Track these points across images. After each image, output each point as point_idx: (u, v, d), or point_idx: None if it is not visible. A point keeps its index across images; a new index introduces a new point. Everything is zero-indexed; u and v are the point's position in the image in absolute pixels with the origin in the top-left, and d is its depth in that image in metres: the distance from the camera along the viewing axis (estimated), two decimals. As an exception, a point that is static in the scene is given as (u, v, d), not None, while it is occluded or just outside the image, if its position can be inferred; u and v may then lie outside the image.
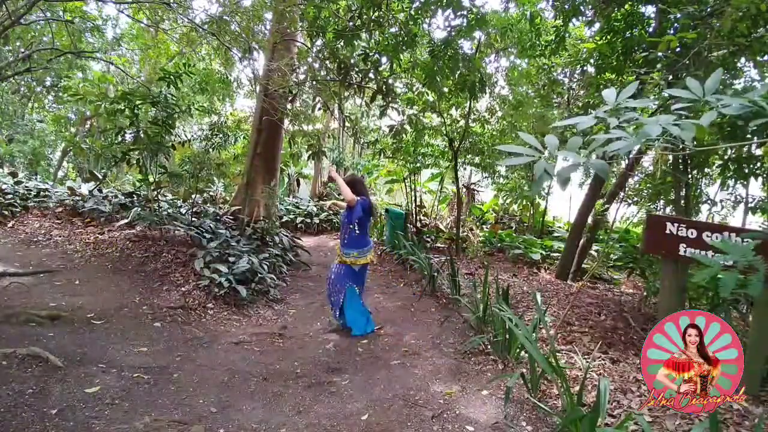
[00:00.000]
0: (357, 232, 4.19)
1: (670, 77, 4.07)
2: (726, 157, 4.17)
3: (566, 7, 5.57)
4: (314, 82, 7.08)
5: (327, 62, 6.68)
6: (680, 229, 3.13)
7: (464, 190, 11.29)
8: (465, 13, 5.65)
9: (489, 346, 3.68)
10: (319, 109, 8.94)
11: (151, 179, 6.13)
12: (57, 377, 2.78)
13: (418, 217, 9.77)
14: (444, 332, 4.21)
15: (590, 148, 1.40)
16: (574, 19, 5.83)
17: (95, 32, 9.96)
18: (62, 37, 8.61)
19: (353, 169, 13.65)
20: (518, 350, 3.40)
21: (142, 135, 5.60)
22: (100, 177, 9.87)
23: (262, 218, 7.25)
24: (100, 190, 8.08)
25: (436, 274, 5.57)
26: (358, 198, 4.17)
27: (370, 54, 6.14)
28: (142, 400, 2.73)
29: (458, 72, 6.25)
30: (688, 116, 1.43)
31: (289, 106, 7.37)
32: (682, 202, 4.41)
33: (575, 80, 8.43)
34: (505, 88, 8.95)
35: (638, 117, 1.40)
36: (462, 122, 8.30)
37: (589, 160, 1.36)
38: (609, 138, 1.34)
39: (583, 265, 6.73)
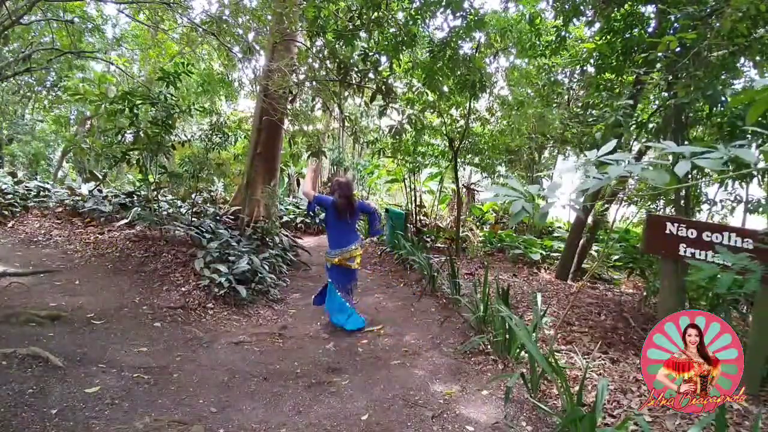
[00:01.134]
0: (323, 226, 4.29)
1: (670, 77, 4.07)
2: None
3: (566, 7, 5.58)
4: (314, 82, 7.08)
5: (327, 62, 6.68)
6: (680, 229, 3.12)
7: (464, 190, 11.29)
8: (464, 13, 5.65)
9: (489, 346, 3.68)
10: (319, 108, 8.93)
11: (151, 179, 6.12)
12: (57, 377, 2.78)
13: (418, 217, 9.78)
14: (444, 332, 4.21)
15: (572, 191, 1.71)
16: (574, 20, 5.84)
17: (95, 32, 9.96)
18: (62, 37, 8.60)
19: (353, 169, 13.66)
20: (518, 350, 3.40)
21: (142, 135, 5.60)
22: (100, 177, 9.88)
23: (262, 218, 7.25)
24: (100, 190, 8.08)
25: (436, 274, 5.57)
26: (316, 194, 4.37)
27: (370, 54, 6.14)
28: (142, 400, 2.73)
29: (458, 72, 6.25)
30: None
31: (289, 106, 7.36)
32: (682, 202, 4.41)
33: (575, 80, 8.43)
34: (505, 89, 8.95)
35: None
36: (462, 122, 8.31)
37: (570, 200, 1.71)
38: (590, 178, 1.66)
39: (583, 265, 6.73)
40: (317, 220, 10.41)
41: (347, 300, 4.42)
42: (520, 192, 1.68)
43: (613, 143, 1.81)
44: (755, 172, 4.13)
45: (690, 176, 4.51)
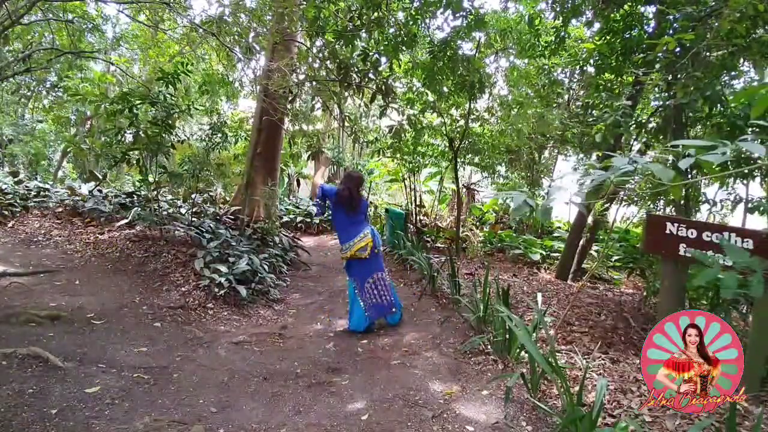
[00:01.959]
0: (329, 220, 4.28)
1: (669, 78, 4.08)
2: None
3: (566, 7, 5.58)
4: (314, 82, 7.08)
5: (327, 62, 6.67)
6: (680, 229, 3.12)
7: (464, 190, 11.29)
8: (464, 14, 5.65)
9: (489, 346, 3.68)
10: (319, 108, 8.92)
11: (151, 179, 6.12)
12: (57, 377, 2.78)
13: (418, 217, 9.77)
14: (444, 332, 4.21)
15: (576, 189, 1.72)
16: (573, 20, 5.84)
17: (95, 32, 9.96)
18: (62, 37, 8.61)
19: (353, 169, 13.67)
20: (518, 350, 3.40)
21: (141, 135, 5.60)
22: (100, 177, 9.88)
23: (262, 218, 7.25)
24: (100, 190, 8.08)
25: (436, 274, 5.57)
26: (321, 183, 4.34)
27: (370, 54, 6.14)
28: (142, 400, 2.73)
29: (458, 72, 6.26)
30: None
31: (289, 106, 7.36)
32: (682, 202, 4.41)
33: (575, 80, 8.43)
34: (505, 89, 8.95)
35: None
36: (462, 122, 8.31)
37: (573, 198, 1.73)
38: (594, 176, 1.67)
39: (583, 265, 6.73)
40: (317, 221, 10.42)
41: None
42: (522, 190, 1.70)
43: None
44: (756, 172, 4.14)
45: (690, 175, 4.53)
